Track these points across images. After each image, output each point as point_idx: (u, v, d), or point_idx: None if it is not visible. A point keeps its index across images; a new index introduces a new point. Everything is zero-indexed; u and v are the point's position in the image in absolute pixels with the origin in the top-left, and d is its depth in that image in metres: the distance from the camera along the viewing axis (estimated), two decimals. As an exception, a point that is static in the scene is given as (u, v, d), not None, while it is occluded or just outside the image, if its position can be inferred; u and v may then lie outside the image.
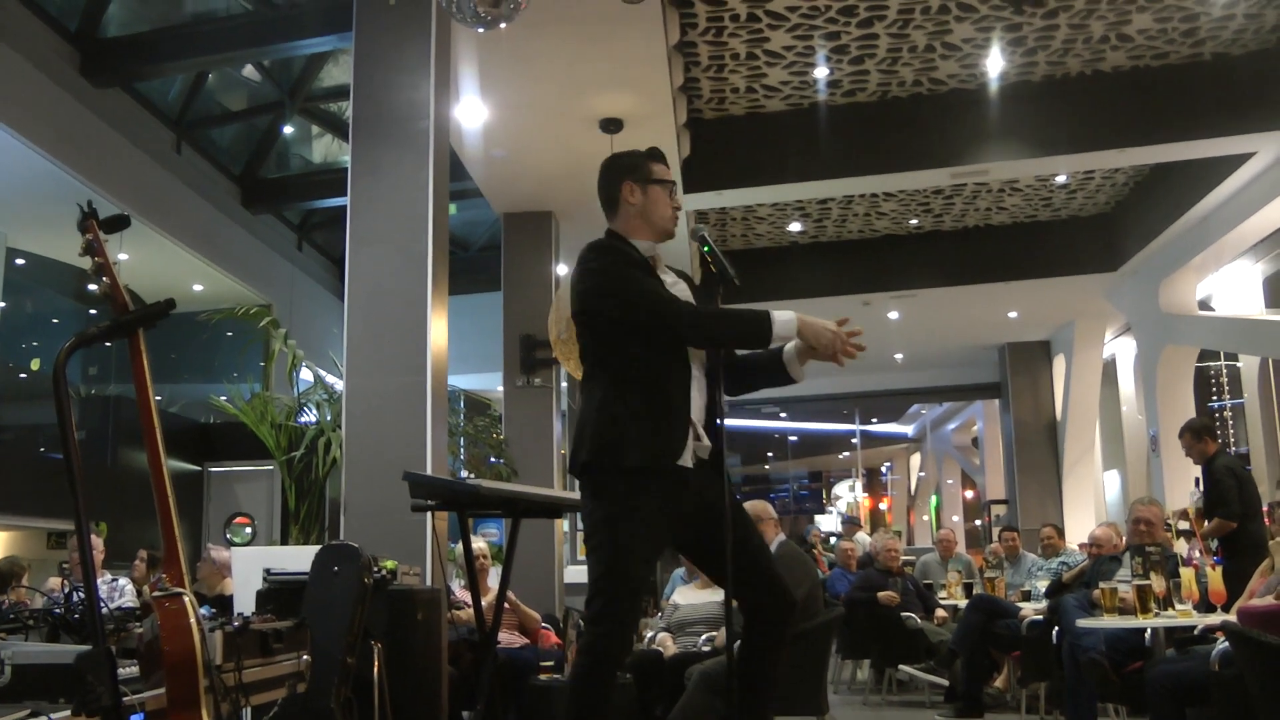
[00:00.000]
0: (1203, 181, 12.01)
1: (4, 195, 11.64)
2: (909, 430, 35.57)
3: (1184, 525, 8.65)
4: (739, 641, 3.84)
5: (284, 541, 8.61)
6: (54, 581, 8.93)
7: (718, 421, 3.89)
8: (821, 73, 10.40)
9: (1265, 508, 8.66)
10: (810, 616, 6.05)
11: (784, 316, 3.72)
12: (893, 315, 16.83)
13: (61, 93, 10.74)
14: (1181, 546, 7.95)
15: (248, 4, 11.15)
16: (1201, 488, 8.28)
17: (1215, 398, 16.32)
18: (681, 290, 3.93)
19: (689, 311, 3.74)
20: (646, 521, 3.62)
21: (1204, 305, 14.74)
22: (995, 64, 10.28)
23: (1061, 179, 13.19)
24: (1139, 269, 14.46)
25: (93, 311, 14.68)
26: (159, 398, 2.95)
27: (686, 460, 3.74)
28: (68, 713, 2.51)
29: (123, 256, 12.68)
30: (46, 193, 11.20)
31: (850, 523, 19.48)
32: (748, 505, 6.51)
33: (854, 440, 34.19)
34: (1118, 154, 10.96)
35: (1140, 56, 10.33)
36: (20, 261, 13.50)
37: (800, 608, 5.91)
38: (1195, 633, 5.92)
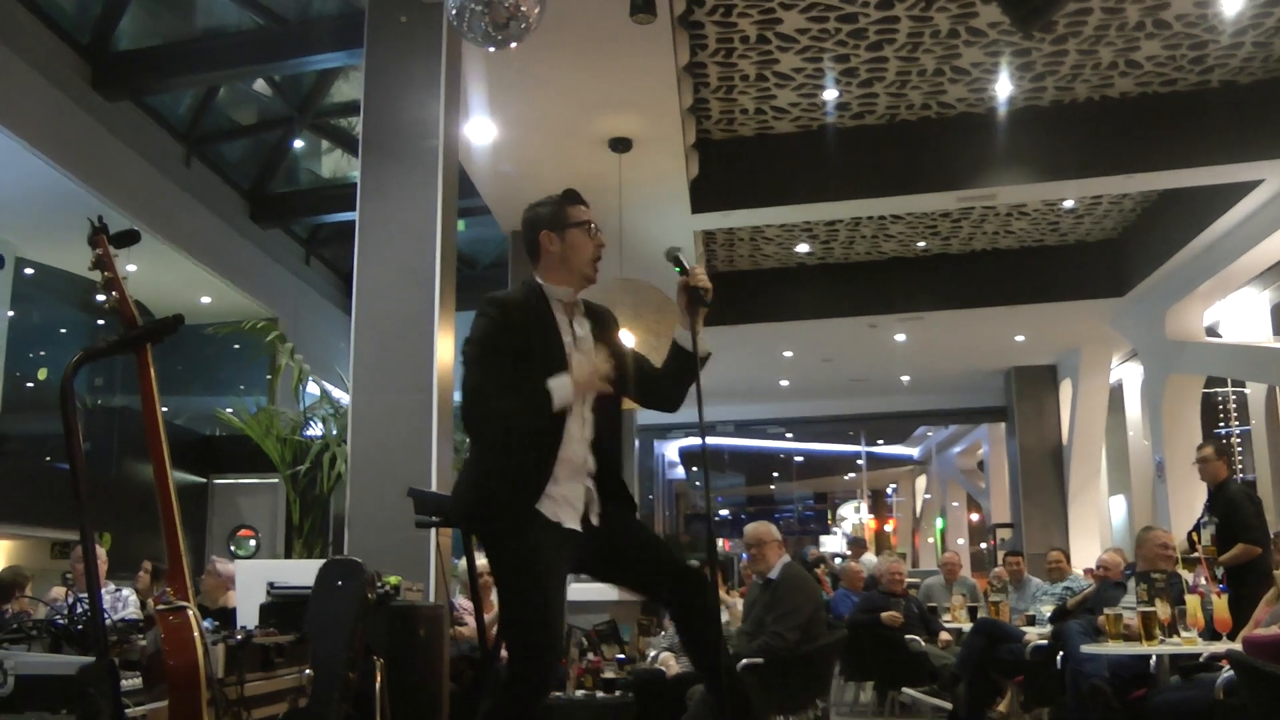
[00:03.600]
0: (1210, 208, 12.00)
1: (14, 206, 11.68)
2: (914, 452, 35.51)
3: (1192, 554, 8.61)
4: (677, 632, 3.94)
5: (287, 555, 8.60)
6: (57, 591, 8.93)
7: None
8: (830, 95, 10.42)
9: (1272, 535, 8.63)
10: (813, 639, 6.04)
11: (557, 382, 3.68)
12: (899, 338, 16.83)
13: (72, 105, 10.78)
14: (1187, 574, 7.91)
15: (259, 19, 11.19)
16: (1210, 514, 8.21)
17: (1222, 425, 16.28)
18: (594, 333, 3.97)
19: (494, 412, 3.69)
20: (540, 572, 3.67)
21: (1211, 332, 14.72)
22: (1004, 88, 10.30)
23: (1069, 204, 13.19)
24: (1146, 295, 14.45)
25: (100, 322, 14.70)
26: (165, 409, 2.95)
27: (571, 520, 3.76)
28: (69, 724, 2.51)
29: (131, 268, 12.57)
30: (56, 204, 11.24)
31: (857, 544, 19.44)
32: (751, 528, 6.52)
33: (859, 462, 34.13)
34: (1125, 179, 10.96)
35: (1148, 83, 10.34)
36: (29, 271, 13.54)
37: (803, 631, 5.94)
38: (1200, 660, 5.90)
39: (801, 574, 6.48)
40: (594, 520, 3.82)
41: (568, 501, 3.75)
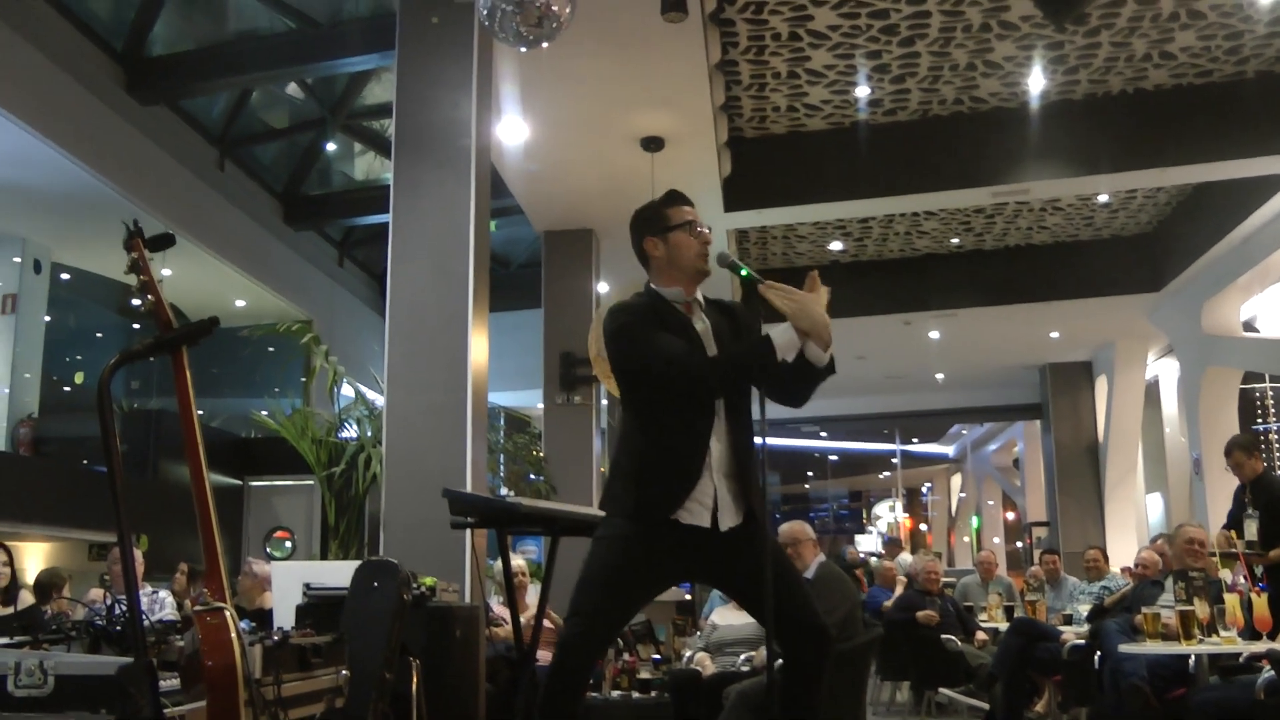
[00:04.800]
0: (1247, 201, 11.91)
1: (50, 210, 11.76)
2: (949, 450, 35.38)
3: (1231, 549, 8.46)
4: (781, 669, 3.83)
5: (323, 556, 8.63)
6: (95, 593, 8.99)
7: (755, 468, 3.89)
8: (863, 91, 10.39)
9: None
10: (849, 638, 6.02)
11: (778, 329, 3.70)
12: (934, 335, 16.77)
13: (107, 110, 10.85)
14: (1225, 573, 7.80)
15: (291, 22, 11.23)
16: (1251, 509, 8.05)
17: (1260, 420, 16.14)
18: (718, 329, 3.93)
19: (698, 365, 3.72)
20: (626, 563, 3.65)
21: (1248, 326, 14.60)
22: (1037, 82, 10.24)
23: (1103, 198, 13.11)
24: (1182, 289, 14.34)
25: (136, 326, 14.80)
26: (200, 412, 2.96)
27: (695, 516, 3.71)
28: (109, 724, 2.53)
29: (166, 272, 12.74)
30: (91, 208, 11.31)
31: (892, 543, 19.38)
32: (785, 527, 6.50)
33: (894, 460, 34.05)
34: (1160, 173, 10.89)
35: (1183, 74, 10.26)
36: (65, 276, 13.63)
37: (839, 629, 5.91)
38: (1240, 660, 5.84)
39: (837, 573, 6.45)
40: (723, 525, 3.73)
41: (694, 499, 3.70)
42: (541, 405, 12.08)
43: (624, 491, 3.73)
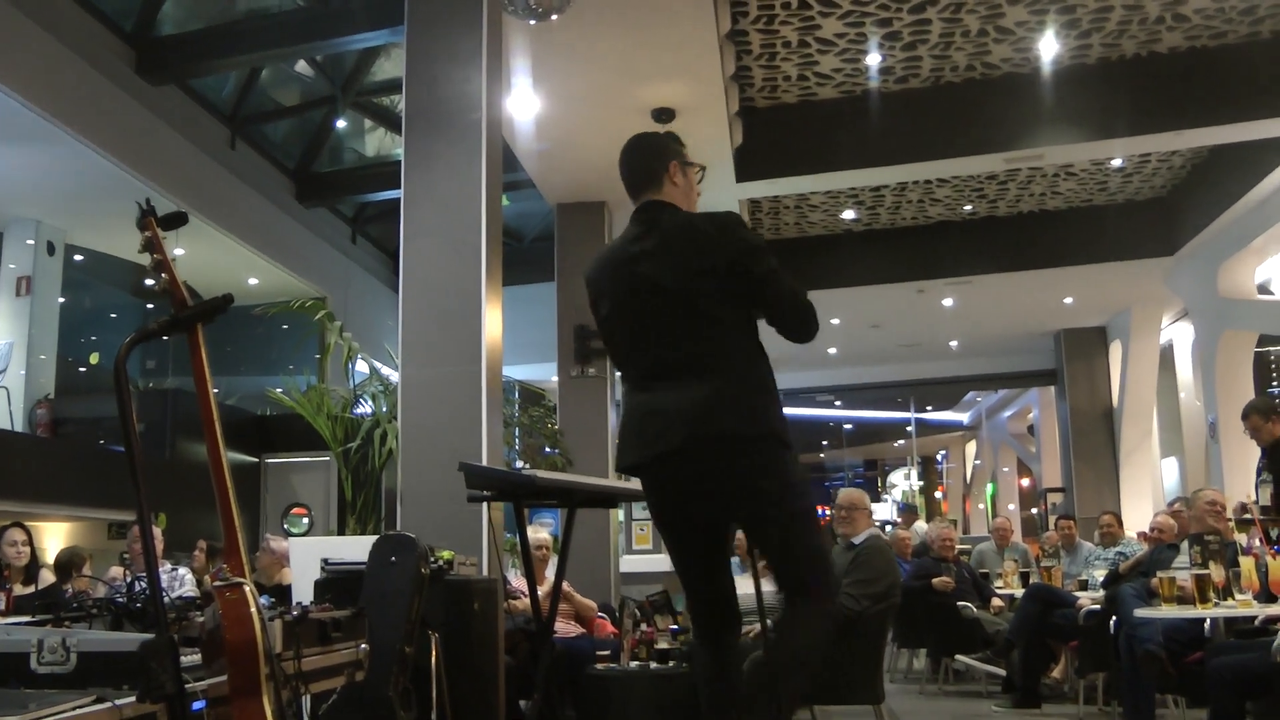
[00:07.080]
0: (1261, 163, 11.84)
1: (63, 192, 11.81)
2: (964, 418, 35.32)
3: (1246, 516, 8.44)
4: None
5: (341, 532, 8.68)
6: (115, 571, 9.05)
7: None
8: (874, 59, 10.35)
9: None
10: (885, 610, 6.06)
11: None
12: (947, 302, 16.74)
13: (118, 91, 10.87)
14: (1240, 536, 7.77)
15: (300, 0, 11.22)
16: (1266, 474, 8.02)
17: (1276, 383, 16.10)
18: None
19: (810, 313, 3.75)
20: None
21: (1263, 289, 14.54)
22: (1049, 47, 10.19)
23: (1117, 163, 13.06)
24: (1196, 253, 14.29)
25: (149, 306, 14.85)
26: (216, 390, 2.98)
27: None
28: (132, 699, 2.55)
29: (179, 251, 12.75)
30: (104, 189, 11.35)
31: (908, 511, 19.39)
32: (845, 493, 6.56)
33: (909, 428, 34.01)
34: (1174, 136, 10.82)
35: (1197, 36, 10.20)
36: (79, 258, 13.69)
37: (876, 600, 5.97)
38: (1256, 623, 5.85)
39: (887, 549, 6.46)
40: None
41: None
42: (556, 378, 12.09)
43: (780, 415, 3.73)
